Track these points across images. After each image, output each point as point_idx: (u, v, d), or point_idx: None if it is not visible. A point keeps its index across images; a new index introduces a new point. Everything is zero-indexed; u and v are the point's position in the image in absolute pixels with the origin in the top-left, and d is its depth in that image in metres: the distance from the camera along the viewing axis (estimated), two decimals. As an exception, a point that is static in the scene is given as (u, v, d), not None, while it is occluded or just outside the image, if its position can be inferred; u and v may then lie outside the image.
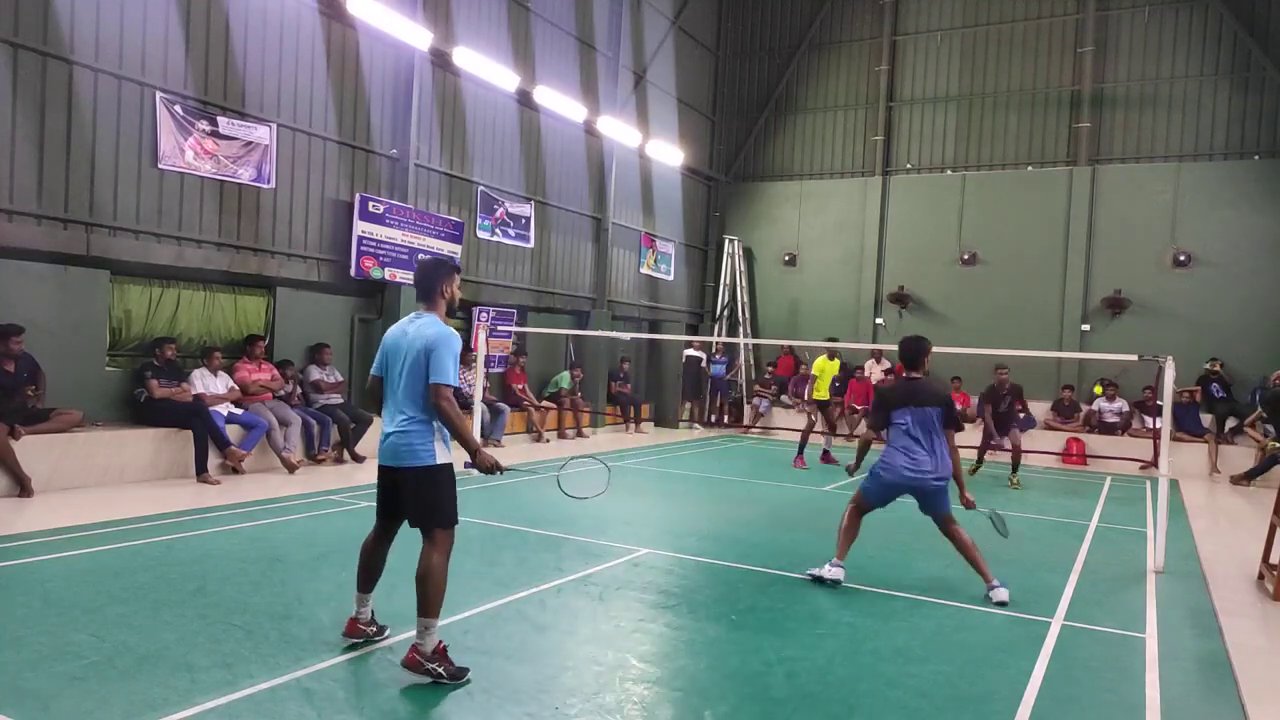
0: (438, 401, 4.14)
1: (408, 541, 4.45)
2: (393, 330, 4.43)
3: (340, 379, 11.55)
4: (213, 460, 9.35)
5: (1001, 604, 5.91)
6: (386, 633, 4.66)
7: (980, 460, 12.85)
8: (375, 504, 4.52)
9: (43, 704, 3.66)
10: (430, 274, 4.41)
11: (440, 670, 4.07)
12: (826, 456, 13.27)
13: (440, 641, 4.14)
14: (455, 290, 4.49)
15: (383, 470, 4.37)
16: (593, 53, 16.74)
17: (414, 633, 4.19)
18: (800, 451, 13.03)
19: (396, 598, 5.33)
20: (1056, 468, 15.12)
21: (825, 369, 13.28)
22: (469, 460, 4.29)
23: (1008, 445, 12.32)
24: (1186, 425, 15.15)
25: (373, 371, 4.49)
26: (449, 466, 4.29)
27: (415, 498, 4.27)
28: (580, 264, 16.90)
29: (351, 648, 4.48)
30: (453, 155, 13.64)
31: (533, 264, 15.55)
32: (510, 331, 14.79)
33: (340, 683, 4.05)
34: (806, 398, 14.40)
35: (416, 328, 4.29)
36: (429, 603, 4.13)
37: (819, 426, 13.49)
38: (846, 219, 20.01)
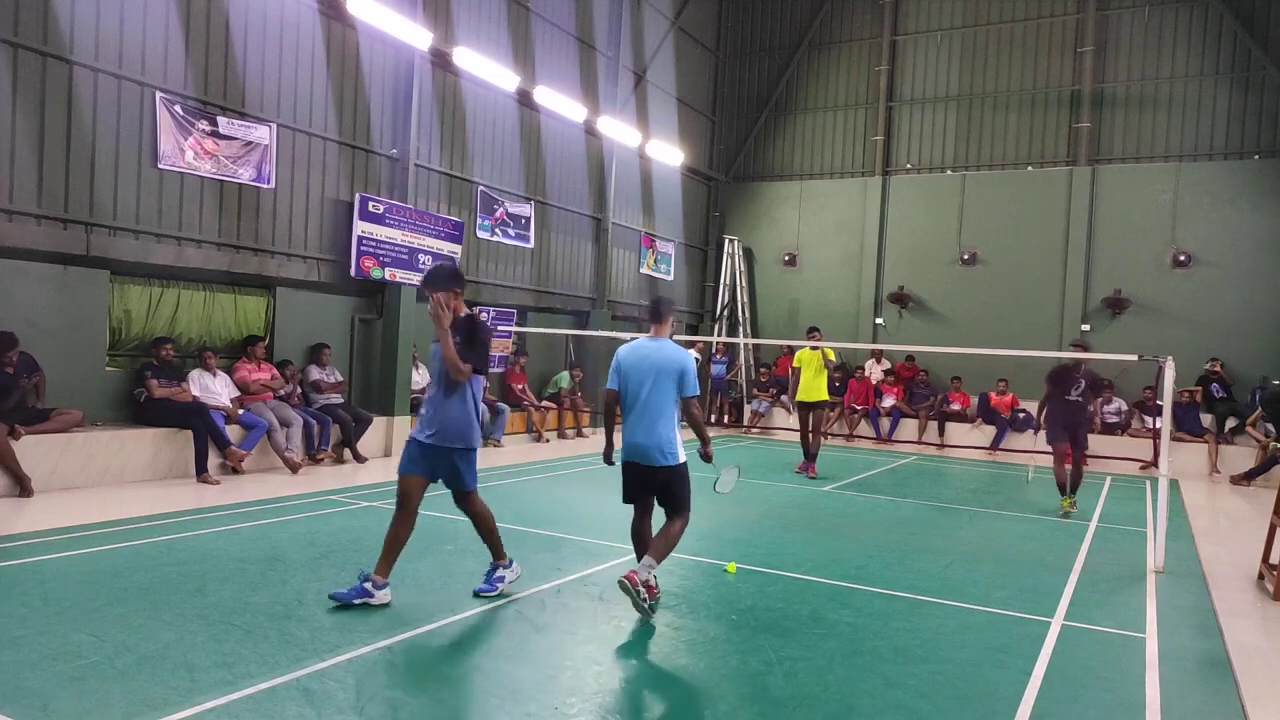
0: (691, 409, 5.53)
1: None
2: (628, 352, 5.49)
3: (340, 379, 11.54)
4: (213, 460, 9.35)
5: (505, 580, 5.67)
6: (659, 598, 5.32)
7: (1076, 483, 9.82)
8: (624, 493, 5.59)
9: (43, 704, 3.66)
10: (664, 305, 5.74)
11: (644, 596, 5.09)
12: (811, 466, 12.13)
13: (654, 582, 5.21)
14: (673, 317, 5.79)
15: (638, 467, 5.43)
16: (593, 53, 16.73)
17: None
18: (805, 455, 12.47)
19: (397, 597, 5.33)
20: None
21: (805, 360, 12.00)
22: (703, 450, 5.67)
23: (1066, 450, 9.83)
24: (1186, 425, 15.15)
25: (611, 386, 5.57)
26: (687, 464, 5.48)
27: (666, 489, 5.43)
28: (580, 264, 16.89)
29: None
30: (452, 155, 13.64)
31: (533, 264, 15.54)
32: (510, 331, 14.78)
33: (340, 683, 4.04)
34: (789, 396, 13.75)
35: (659, 349, 5.44)
36: (662, 554, 5.28)
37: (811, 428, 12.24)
38: (846, 219, 20.00)
